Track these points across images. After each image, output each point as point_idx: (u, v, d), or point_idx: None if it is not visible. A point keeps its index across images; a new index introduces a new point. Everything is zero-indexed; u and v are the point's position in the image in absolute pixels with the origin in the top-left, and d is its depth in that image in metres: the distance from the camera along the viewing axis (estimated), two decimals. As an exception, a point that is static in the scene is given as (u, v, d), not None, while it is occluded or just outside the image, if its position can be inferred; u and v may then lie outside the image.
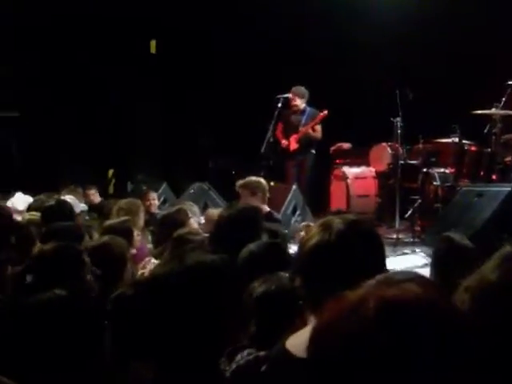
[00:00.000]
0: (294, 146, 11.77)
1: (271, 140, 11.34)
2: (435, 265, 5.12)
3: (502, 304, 1.74)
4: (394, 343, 1.26)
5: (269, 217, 7.36)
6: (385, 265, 2.52)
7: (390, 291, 1.32)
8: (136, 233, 6.01)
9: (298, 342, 2.37)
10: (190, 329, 2.30)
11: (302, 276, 2.52)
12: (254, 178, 8.38)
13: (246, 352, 2.87)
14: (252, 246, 3.86)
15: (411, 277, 1.39)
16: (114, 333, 3.59)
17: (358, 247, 2.42)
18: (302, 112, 11.84)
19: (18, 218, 7.42)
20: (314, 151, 11.85)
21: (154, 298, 2.41)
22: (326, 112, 11.49)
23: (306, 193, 10.89)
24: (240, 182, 8.34)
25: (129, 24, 13.94)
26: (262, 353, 2.79)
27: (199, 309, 2.31)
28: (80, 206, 7.67)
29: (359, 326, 1.29)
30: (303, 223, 7.81)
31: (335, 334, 1.33)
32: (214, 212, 7.12)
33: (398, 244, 10.06)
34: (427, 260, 7.17)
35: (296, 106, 11.76)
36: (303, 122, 11.77)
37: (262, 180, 8.39)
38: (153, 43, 14.89)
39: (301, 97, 11.76)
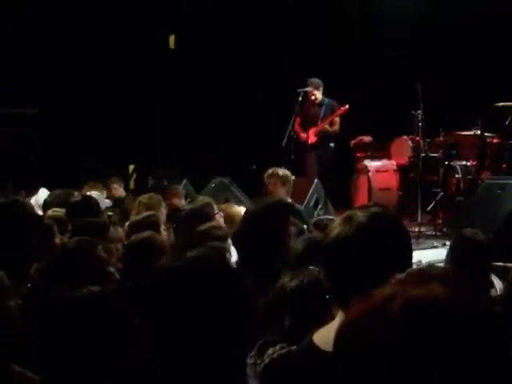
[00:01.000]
0: (312, 139, 11.71)
1: (292, 134, 11.33)
2: (453, 262, 5.12)
3: None
4: (417, 345, 1.26)
5: None
6: (411, 258, 2.46)
7: (416, 292, 1.31)
8: (162, 227, 6.03)
9: (324, 336, 2.37)
10: (196, 325, 2.29)
11: (324, 270, 2.52)
12: (284, 170, 8.53)
13: (278, 346, 2.87)
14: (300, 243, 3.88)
15: (440, 275, 1.37)
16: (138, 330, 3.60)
17: (379, 240, 2.37)
18: (320, 104, 11.76)
19: (40, 212, 7.45)
20: (332, 145, 11.76)
21: (157, 293, 2.41)
22: (346, 106, 11.45)
23: (327, 187, 10.88)
24: (272, 172, 8.42)
25: (148, 19, 13.97)
26: (294, 347, 2.79)
27: (198, 305, 2.31)
28: (105, 202, 7.69)
29: (384, 326, 1.29)
30: (315, 218, 7.79)
31: (360, 331, 1.33)
32: (228, 207, 7.12)
33: (420, 237, 10.05)
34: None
35: (316, 98, 11.70)
36: (322, 114, 11.70)
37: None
38: (172, 38, 14.89)
39: (318, 88, 11.71)
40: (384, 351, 1.28)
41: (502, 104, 10.65)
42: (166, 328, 2.30)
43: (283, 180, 8.32)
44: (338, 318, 2.38)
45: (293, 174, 10.80)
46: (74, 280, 3.87)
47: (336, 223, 2.46)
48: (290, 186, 8.37)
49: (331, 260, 2.44)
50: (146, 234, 4.73)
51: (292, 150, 11.28)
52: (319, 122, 11.67)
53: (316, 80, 11.73)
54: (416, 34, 12.58)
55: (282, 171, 8.46)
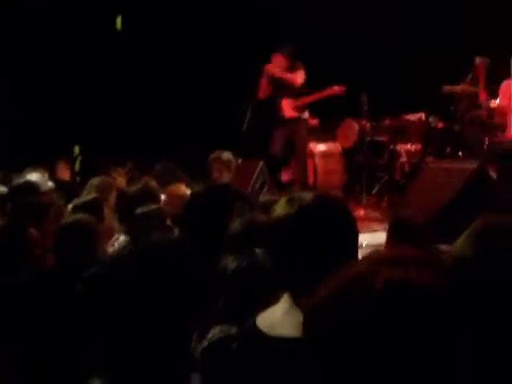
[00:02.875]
0: (289, 112, 11.28)
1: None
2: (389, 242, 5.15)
3: (479, 282, 1.70)
4: (398, 326, 1.23)
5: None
6: (356, 242, 2.40)
7: (400, 272, 1.26)
8: (106, 210, 5.97)
9: (269, 319, 2.33)
10: (154, 309, 2.29)
11: (266, 251, 2.48)
12: (227, 154, 8.46)
13: (218, 329, 2.85)
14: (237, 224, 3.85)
15: (415, 258, 1.33)
16: (83, 311, 3.58)
17: (322, 222, 2.33)
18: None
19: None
20: (306, 115, 11.40)
21: (119, 278, 2.40)
22: (343, 88, 11.23)
23: (303, 162, 10.79)
24: (215, 157, 8.36)
25: (94, 0, 13.81)
26: (233, 330, 2.77)
27: (161, 289, 2.30)
28: (47, 185, 7.59)
29: (363, 305, 1.25)
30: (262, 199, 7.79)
31: (333, 312, 1.28)
32: (176, 188, 7.05)
33: (365, 220, 10.12)
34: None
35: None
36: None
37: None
38: (118, 20, 14.72)
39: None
40: (358, 333, 1.24)
41: (448, 87, 10.71)
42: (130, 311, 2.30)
43: (227, 165, 8.29)
44: (283, 302, 2.33)
45: (255, 156, 10.67)
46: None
47: (280, 204, 2.42)
48: (233, 170, 8.34)
49: (273, 241, 2.40)
50: (77, 216, 4.69)
51: (256, 131, 11.11)
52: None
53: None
54: (362, 17, 12.60)
55: (225, 156, 8.41)
